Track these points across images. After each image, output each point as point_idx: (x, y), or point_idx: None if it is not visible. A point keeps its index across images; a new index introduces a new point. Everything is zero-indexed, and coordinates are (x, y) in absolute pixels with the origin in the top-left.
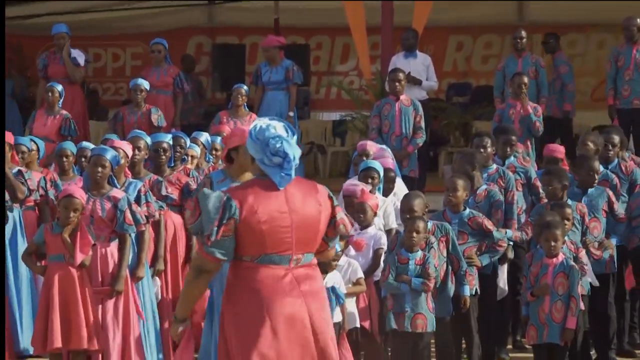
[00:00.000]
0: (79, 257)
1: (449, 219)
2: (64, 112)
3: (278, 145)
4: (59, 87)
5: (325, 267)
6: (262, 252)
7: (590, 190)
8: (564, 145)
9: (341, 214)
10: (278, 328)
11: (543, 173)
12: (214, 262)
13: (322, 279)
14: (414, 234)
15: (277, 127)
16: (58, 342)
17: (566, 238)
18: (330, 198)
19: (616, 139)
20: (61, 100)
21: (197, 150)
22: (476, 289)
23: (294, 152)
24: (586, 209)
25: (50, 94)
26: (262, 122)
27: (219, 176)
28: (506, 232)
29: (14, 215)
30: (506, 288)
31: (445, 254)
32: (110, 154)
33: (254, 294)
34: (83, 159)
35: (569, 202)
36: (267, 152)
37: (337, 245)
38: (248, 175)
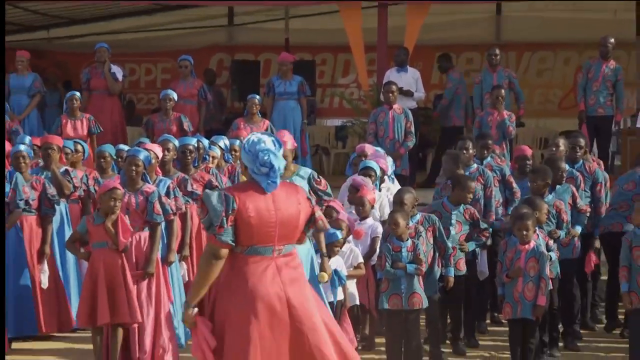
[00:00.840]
0: (122, 243)
1: (448, 210)
2: (87, 115)
3: (266, 158)
4: (78, 95)
5: (330, 253)
6: (251, 243)
7: (557, 186)
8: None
9: (319, 212)
10: (260, 315)
11: (529, 171)
12: (226, 249)
13: (302, 265)
14: (393, 226)
15: (267, 142)
16: (107, 318)
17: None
18: (309, 199)
19: (582, 142)
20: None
21: (217, 152)
22: (466, 271)
23: (279, 163)
24: (563, 205)
25: (74, 101)
26: (254, 136)
27: None
28: (493, 224)
29: (61, 208)
30: (487, 270)
31: (432, 241)
32: (142, 155)
33: (242, 284)
34: (120, 159)
35: (550, 197)
36: (257, 163)
37: (339, 234)
38: (288, 174)
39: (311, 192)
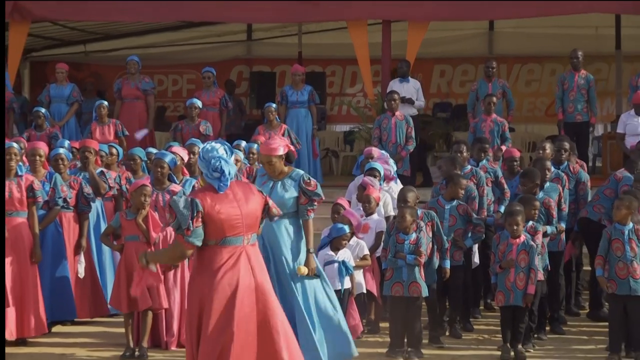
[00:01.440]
0: (153, 237)
1: (442, 206)
2: (114, 119)
3: (217, 164)
4: (105, 103)
5: (338, 245)
6: (223, 236)
7: (545, 185)
8: None
9: (271, 201)
10: (236, 295)
11: (521, 175)
12: (192, 249)
13: (260, 255)
14: (401, 219)
15: (219, 150)
16: (148, 302)
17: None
18: (260, 192)
19: (566, 145)
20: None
21: (241, 155)
22: (463, 262)
23: (230, 169)
24: (552, 202)
25: (101, 109)
26: (209, 145)
27: (263, 171)
28: (486, 219)
29: (97, 205)
30: (478, 261)
31: (431, 235)
32: (168, 157)
33: (217, 269)
34: (148, 161)
35: (540, 195)
36: (210, 169)
37: (347, 228)
38: (281, 176)
39: (302, 193)
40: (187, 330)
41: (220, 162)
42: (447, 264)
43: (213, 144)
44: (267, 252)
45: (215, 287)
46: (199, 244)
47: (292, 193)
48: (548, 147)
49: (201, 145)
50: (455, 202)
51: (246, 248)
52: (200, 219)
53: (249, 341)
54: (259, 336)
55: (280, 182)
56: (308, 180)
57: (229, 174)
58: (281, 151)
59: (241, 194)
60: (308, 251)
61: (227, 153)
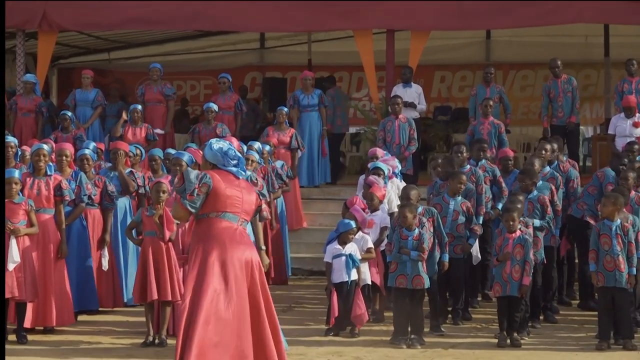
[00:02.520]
0: (167, 234)
1: (447, 202)
2: (146, 124)
3: (233, 153)
4: (139, 107)
5: (345, 240)
6: (224, 209)
7: (539, 183)
8: None
9: (264, 205)
10: (230, 267)
11: (519, 173)
12: (184, 212)
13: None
14: (402, 218)
15: (231, 144)
16: (154, 295)
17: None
18: (258, 195)
19: (555, 146)
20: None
21: (255, 156)
22: (463, 255)
23: (242, 158)
24: (547, 200)
25: (135, 113)
26: (219, 143)
27: None
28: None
29: (125, 203)
30: (479, 256)
31: (432, 230)
32: (185, 157)
33: (216, 237)
34: (167, 161)
35: (535, 193)
36: (228, 158)
37: (353, 223)
38: None
39: None
40: (185, 288)
41: (235, 151)
42: (446, 258)
43: (221, 140)
44: None
45: (211, 251)
46: (193, 210)
47: None
48: (549, 149)
49: None
50: (459, 199)
51: (239, 228)
52: (203, 190)
53: (242, 309)
54: (251, 308)
55: None
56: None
57: (243, 162)
58: (236, 146)
59: (245, 185)
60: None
61: (230, 146)
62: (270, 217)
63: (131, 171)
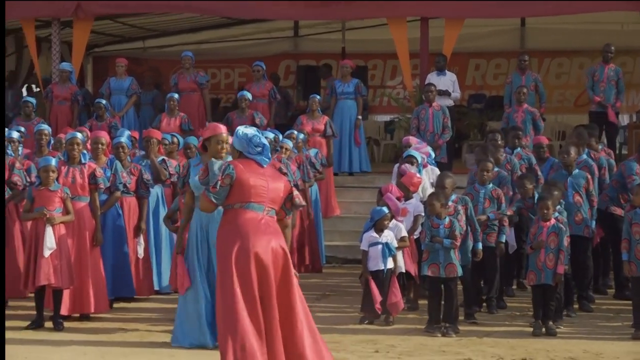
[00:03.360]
0: None
1: (477, 190)
2: (182, 114)
3: (258, 140)
4: (176, 96)
5: (381, 226)
6: (248, 200)
7: (575, 172)
8: None
9: (296, 192)
10: (255, 255)
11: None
12: (208, 204)
13: (278, 227)
14: (429, 207)
15: (257, 130)
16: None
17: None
18: (288, 181)
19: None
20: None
21: (289, 144)
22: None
23: (267, 145)
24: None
25: (171, 102)
26: (246, 129)
27: (195, 161)
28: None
29: (157, 191)
30: (515, 244)
31: (464, 218)
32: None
33: (240, 228)
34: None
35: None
36: (252, 145)
37: (385, 209)
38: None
39: None
40: (219, 282)
41: (260, 138)
42: (480, 246)
43: (248, 127)
44: (204, 236)
45: (233, 242)
46: (217, 202)
47: None
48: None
49: None
50: (490, 186)
51: (265, 217)
52: (227, 181)
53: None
54: (279, 297)
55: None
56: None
57: (268, 149)
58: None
59: (271, 172)
60: None
61: (262, 133)
62: (305, 204)
63: (163, 159)
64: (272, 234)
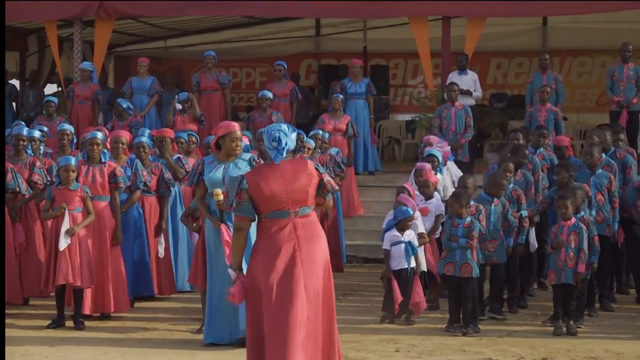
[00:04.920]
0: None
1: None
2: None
3: (275, 134)
4: (191, 96)
5: (404, 227)
6: (271, 209)
7: (598, 171)
8: None
9: (327, 177)
10: (279, 263)
11: (555, 166)
12: (241, 221)
13: (318, 223)
14: (450, 205)
15: (282, 126)
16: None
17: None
18: (316, 168)
19: (607, 134)
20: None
21: (312, 144)
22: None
23: (287, 140)
24: (587, 187)
25: (185, 104)
26: (271, 125)
27: (210, 159)
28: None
29: (175, 189)
30: (536, 243)
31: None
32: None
33: (267, 240)
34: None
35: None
36: (270, 140)
37: (411, 210)
38: (232, 159)
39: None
40: (249, 298)
41: (279, 133)
42: (522, 240)
43: (281, 123)
44: (217, 235)
45: (259, 258)
46: (248, 216)
47: (245, 171)
48: (596, 136)
49: None
50: (511, 186)
51: (294, 220)
52: (244, 195)
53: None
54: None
55: (231, 163)
56: (258, 160)
57: (286, 144)
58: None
59: (290, 171)
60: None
61: (288, 129)
62: (337, 188)
63: (178, 157)
64: (299, 238)
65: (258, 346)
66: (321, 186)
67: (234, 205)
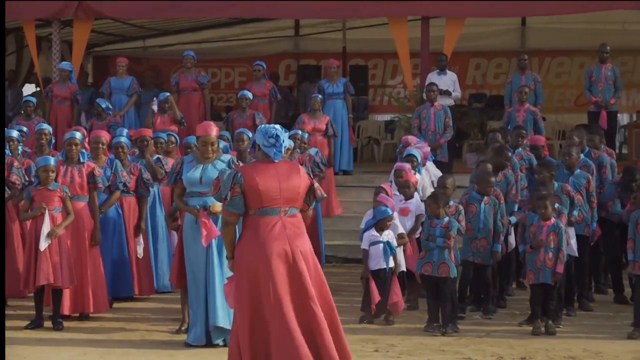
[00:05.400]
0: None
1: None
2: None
3: (273, 131)
4: (170, 98)
5: (383, 227)
6: (261, 206)
7: (576, 172)
8: None
9: (316, 184)
10: (270, 260)
11: (536, 165)
12: (231, 216)
13: (303, 224)
14: (427, 206)
15: (276, 126)
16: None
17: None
18: (307, 174)
19: (584, 133)
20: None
21: (291, 144)
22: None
23: (284, 138)
24: (570, 187)
25: (165, 104)
26: (265, 124)
27: (189, 158)
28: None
29: (154, 190)
30: (514, 243)
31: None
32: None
33: (255, 236)
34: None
35: (556, 184)
36: (267, 137)
37: (390, 210)
38: (210, 160)
39: None
40: (237, 295)
41: (276, 131)
42: (499, 248)
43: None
44: (196, 232)
45: (248, 252)
46: (238, 212)
47: None
48: (576, 137)
49: (250, 134)
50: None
51: (283, 219)
52: (237, 190)
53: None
54: (293, 302)
55: (210, 164)
56: (237, 163)
57: (284, 142)
58: (215, 132)
59: (284, 170)
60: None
61: (281, 129)
62: (326, 195)
63: (158, 158)
64: (289, 236)
65: (244, 341)
66: (310, 191)
67: (227, 199)
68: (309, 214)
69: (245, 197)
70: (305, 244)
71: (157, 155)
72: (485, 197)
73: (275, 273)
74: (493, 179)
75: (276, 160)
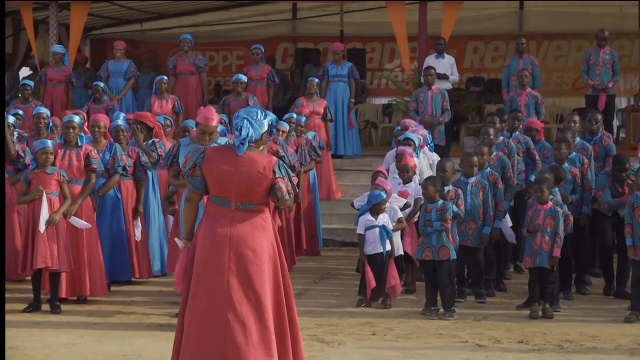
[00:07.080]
0: None
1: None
2: (172, 95)
3: (239, 124)
4: (166, 78)
5: (378, 211)
6: (214, 194)
7: (571, 155)
8: None
9: (281, 184)
10: (213, 244)
11: (555, 141)
12: (192, 194)
13: (262, 218)
14: (423, 189)
15: (251, 111)
16: None
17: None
18: (274, 171)
19: (599, 117)
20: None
21: (286, 127)
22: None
23: (250, 132)
24: (578, 172)
25: (162, 84)
26: (249, 108)
27: (186, 141)
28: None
29: (150, 173)
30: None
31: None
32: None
33: (207, 221)
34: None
35: (566, 165)
36: (235, 127)
37: (384, 194)
38: (207, 143)
39: None
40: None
41: (243, 122)
42: (488, 230)
43: (253, 107)
44: None
45: (199, 237)
46: (198, 191)
47: None
48: (577, 120)
49: None
50: (487, 171)
51: (233, 212)
52: (197, 171)
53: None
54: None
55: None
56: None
57: (247, 136)
58: (216, 121)
59: (247, 164)
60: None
61: (257, 116)
62: (286, 197)
63: (153, 142)
64: (235, 236)
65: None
66: (273, 190)
67: (186, 177)
68: (287, 204)
69: (205, 180)
70: (254, 241)
71: (152, 140)
72: (473, 179)
73: (210, 267)
74: (475, 159)
75: (239, 154)
